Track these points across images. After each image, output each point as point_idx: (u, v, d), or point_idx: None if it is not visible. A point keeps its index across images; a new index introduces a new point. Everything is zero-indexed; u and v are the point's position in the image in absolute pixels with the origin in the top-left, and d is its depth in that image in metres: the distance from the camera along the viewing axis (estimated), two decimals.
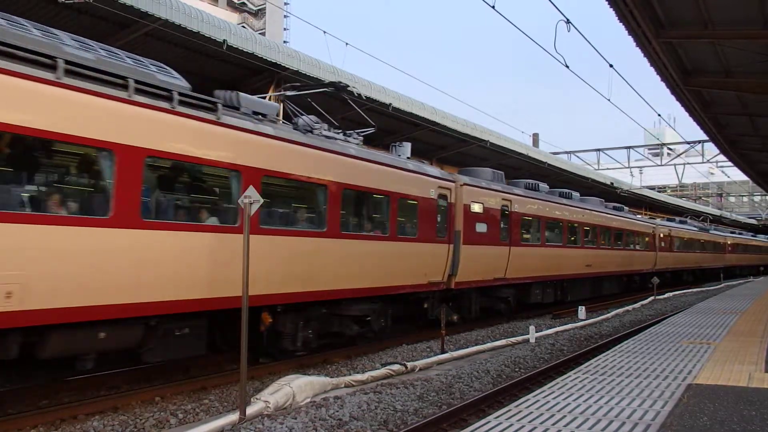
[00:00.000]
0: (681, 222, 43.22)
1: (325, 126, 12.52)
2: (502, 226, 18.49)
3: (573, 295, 24.29)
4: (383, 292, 13.20)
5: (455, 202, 16.22)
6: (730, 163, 29.65)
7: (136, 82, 8.36)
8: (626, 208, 32.45)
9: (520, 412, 6.36)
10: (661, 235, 35.76)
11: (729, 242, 54.45)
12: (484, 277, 17.46)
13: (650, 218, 39.90)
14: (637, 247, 32.15)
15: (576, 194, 25.70)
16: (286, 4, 60.03)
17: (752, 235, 67.51)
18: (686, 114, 17.68)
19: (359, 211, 13.31)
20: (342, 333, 12.86)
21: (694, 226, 45.22)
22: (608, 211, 28.63)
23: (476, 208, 17.02)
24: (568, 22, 12.16)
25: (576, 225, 24.22)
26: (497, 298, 19.11)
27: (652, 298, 28.76)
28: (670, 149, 40.84)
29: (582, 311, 21.26)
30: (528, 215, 20.42)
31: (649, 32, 11.44)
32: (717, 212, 64.39)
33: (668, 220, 42.50)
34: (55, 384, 9.30)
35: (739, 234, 61.70)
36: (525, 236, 20.32)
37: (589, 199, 27.61)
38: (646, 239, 33.51)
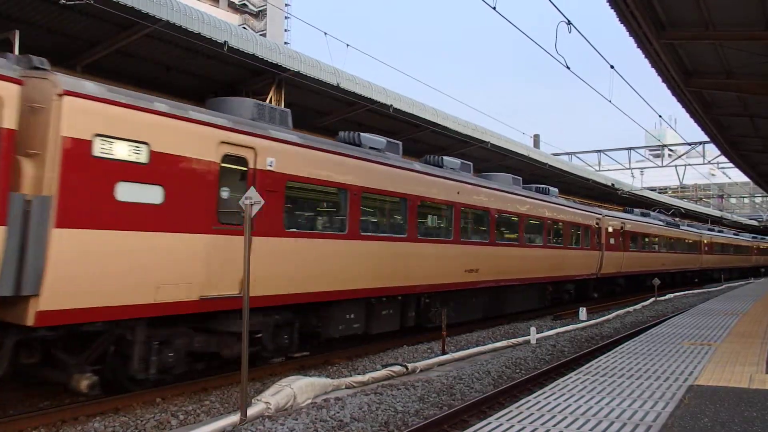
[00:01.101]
0: (643, 214, 35.15)
1: None
2: (222, 196, 9.82)
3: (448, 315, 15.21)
4: None
5: (40, 129, 7.96)
6: (731, 165, 29.63)
7: None
8: (556, 190, 24.09)
9: (521, 413, 6.36)
10: (610, 229, 27.59)
11: (706, 241, 46.23)
12: (162, 297, 8.92)
13: (596, 207, 30.70)
14: (572, 244, 23.74)
15: (456, 161, 17.25)
16: (287, 5, 60.09)
17: (735, 234, 59.63)
18: (687, 115, 17.68)
19: None
20: None
21: (660, 220, 37.26)
22: (518, 191, 20.00)
23: (123, 151, 8.55)
24: (569, 23, 12.16)
25: (444, 207, 15.77)
26: (221, 334, 10.20)
27: (653, 299, 28.76)
28: (671, 150, 40.80)
29: (583, 312, 21.28)
30: (308, 180, 11.50)
31: (650, 33, 11.44)
32: (718, 213, 64.27)
33: (626, 211, 34.37)
34: (56, 384, 9.30)
35: (719, 232, 53.33)
36: (303, 218, 11.95)
37: (496, 175, 20.59)
38: (587, 234, 25.15)
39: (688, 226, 44.53)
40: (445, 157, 16.84)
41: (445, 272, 15.62)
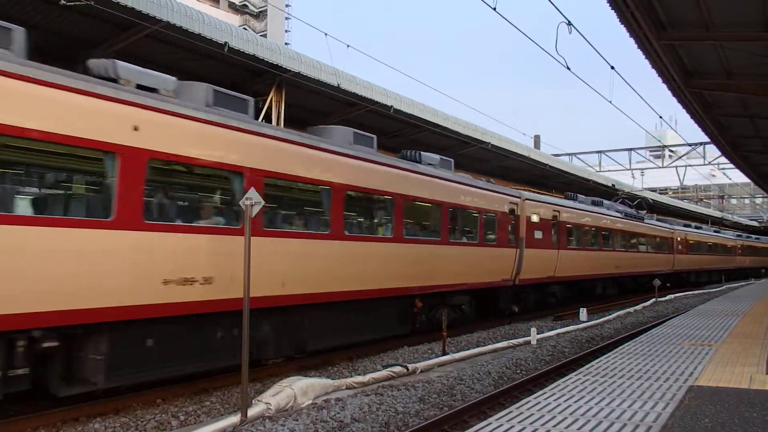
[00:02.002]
0: (594, 203, 27.81)
1: None
2: None
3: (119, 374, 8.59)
4: None
5: None
6: (731, 165, 29.65)
7: None
8: (438, 158, 16.22)
9: (521, 413, 6.36)
10: (535, 219, 20.34)
11: (679, 238, 38.91)
12: None
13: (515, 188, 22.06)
14: (462, 237, 16.60)
15: (166, 78, 9.61)
16: (287, 6, 60.17)
17: (716, 230, 52.27)
18: (688, 116, 17.68)
19: None
20: None
21: (618, 211, 29.84)
22: (340, 149, 12.39)
23: None
24: (569, 23, 12.17)
25: (86, 156, 8.24)
26: None
27: (653, 300, 28.75)
28: (671, 151, 40.85)
29: (583, 313, 21.26)
30: None
31: (650, 34, 11.45)
32: (719, 214, 64.24)
33: (567, 197, 26.66)
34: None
35: (696, 228, 45.89)
36: None
37: (331, 128, 13.27)
38: (492, 224, 17.96)
39: (657, 220, 38.02)
40: (122, 63, 9.02)
41: (94, 286, 8.02)
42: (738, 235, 58.71)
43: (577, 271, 24.04)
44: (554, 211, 22.27)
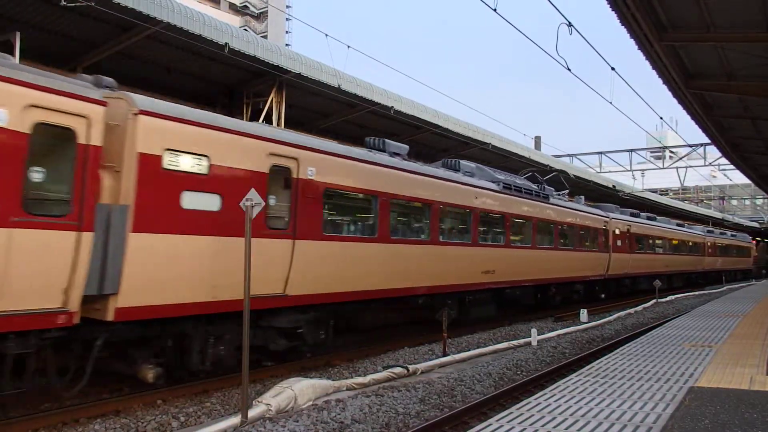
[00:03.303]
0: (446, 166, 17.11)
1: None
2: None
3: None
4: None
5: None
6: (732, 167, 29.64)
7: None
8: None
9: (521, 414, 6.36)
10: (197, 167, 8.99)
11: (617, 230, 27.24)
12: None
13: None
14: None
15: None
16: (288, 7, 60.21)
17: (678, 224, 41.66)
18: (688, 117, 17.68)
19: None
20: None
21: (494, 181, 18.14)
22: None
23: None
24: (569, 24, 12.18)
25: None
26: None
27: (654, 300, 28.72)
28: (672, 152, 40.85)
29: (584, 314, 21.24)
30: None
31: (651, 35, 11.45)
32: (719, 215, 64.17)
33: (370, 146, 14.25)
34: (57, 386, 9.29)
35: (649, 219, 34.08)
36: None
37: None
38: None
39: (587, 205, 26.89)
40: None
41: None
42: (709, 231, 48.01)
43: (372, 282, 12.75)
44: (282, 157, 10.55)
